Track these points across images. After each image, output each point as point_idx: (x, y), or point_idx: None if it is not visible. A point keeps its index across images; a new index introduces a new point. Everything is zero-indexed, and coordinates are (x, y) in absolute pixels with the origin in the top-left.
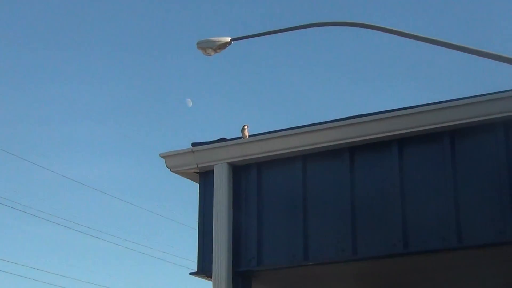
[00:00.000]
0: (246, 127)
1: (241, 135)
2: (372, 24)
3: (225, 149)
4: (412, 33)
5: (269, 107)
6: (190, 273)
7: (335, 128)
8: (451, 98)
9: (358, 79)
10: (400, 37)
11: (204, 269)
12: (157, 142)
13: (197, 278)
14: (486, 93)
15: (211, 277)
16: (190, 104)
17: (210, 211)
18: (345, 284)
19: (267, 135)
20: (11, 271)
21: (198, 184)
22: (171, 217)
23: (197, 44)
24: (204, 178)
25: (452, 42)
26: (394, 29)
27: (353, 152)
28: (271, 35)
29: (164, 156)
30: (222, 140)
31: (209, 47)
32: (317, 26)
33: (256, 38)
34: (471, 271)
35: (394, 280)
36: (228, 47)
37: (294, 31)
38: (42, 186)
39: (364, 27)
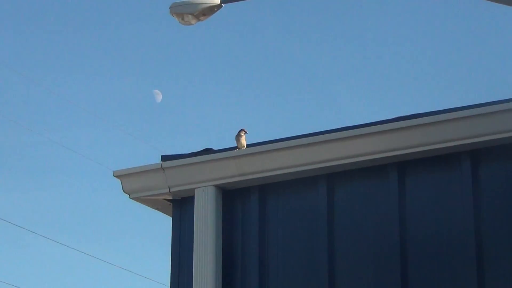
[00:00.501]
0: (243, 133)
1: (235, 145)
2: None
3: (212, 164)
4: None
5: (276, 105)
6: None
7: (376, 134)
8: None
9: (407, 67)
10: None
11: None
12: (111, 154)
13: None
14: None
15: None
16: (159, 98)
17: (189, 258)
18: None
19: (274, 144)
20: None
21: (171, 218)
22: (132, 268)
23: (170, 8)
24: (180, 207)
25: None
26: None
27: (403, 169)
28: None
29: (120, 176)
30: (207, 151)
31: (189, 12)
32: None
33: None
34: None
35: None
36: (216, 13)
37: None
38: None
39: None
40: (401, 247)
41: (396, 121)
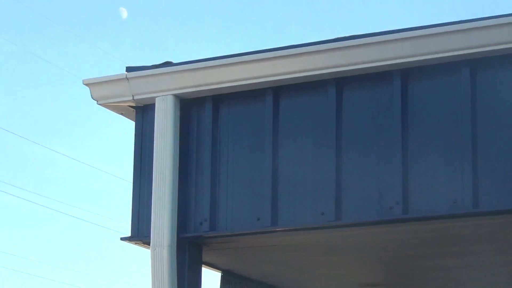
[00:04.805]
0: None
1: (193, 59)
2: None
3: (171, 76)
4: None
5: (228, 25)
6: (122, 239)
7: (319, 53)
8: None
9: None
10: None
11: (140, 234)
12: (81, 65)
13: (131, 244)
14: None
15: (149, 244)
16: (124, 14)
17: (149, 158)
18: (323, 257)
19: (227, 59)
20: None
21: (134, 122)
22: (99, 166)
23: None
24: (143, 114)
25: None
26: None
27: (341, 85)
28: None
29: (89, 84)
30: (167, 64)
31: None
32: None
33: None
34: (486, 243)
35: (389, 254)
36: None
37: None
38: None
39: None
40: (336, 155)
41: (335, 42)
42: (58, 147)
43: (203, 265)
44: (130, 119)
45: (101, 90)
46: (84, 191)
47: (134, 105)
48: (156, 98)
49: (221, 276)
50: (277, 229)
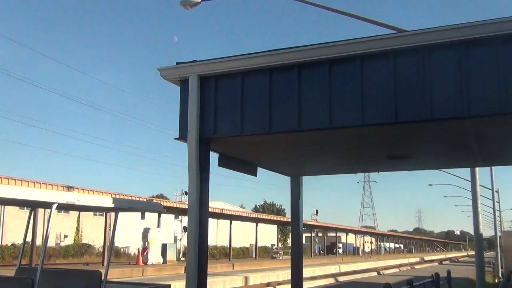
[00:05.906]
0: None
1: (207, 58)
2: None
3: (196, 67)
4: None
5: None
6: (175, 138)
7: (260, 57)
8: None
9: None
10: None
11: (183, 136)
12: (157, 61)
13: (179, 141)
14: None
15: (186, 140)
16: (175, 39)
17: (186, 103)
18: (268, 148)
19: (221, 59)
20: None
21: (179, 87)
22: (165, 106)
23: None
24: (183, 84)
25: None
26: None
27: (272, 72)
28: None
29: (160, 69)
30: (194, 61)
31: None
32: None
33: None
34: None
35: (306, 144)
36: None
37: None
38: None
39: None
40: (270, 94)
41: (267, 51)
42: (149, 96)
43: (210, 151)
44: (178, 85)
45: (166, 72)
46: (158, 116)
47: (179, 79)
48: (189, 77)
49: (219, 155)
50: (244, 134)
